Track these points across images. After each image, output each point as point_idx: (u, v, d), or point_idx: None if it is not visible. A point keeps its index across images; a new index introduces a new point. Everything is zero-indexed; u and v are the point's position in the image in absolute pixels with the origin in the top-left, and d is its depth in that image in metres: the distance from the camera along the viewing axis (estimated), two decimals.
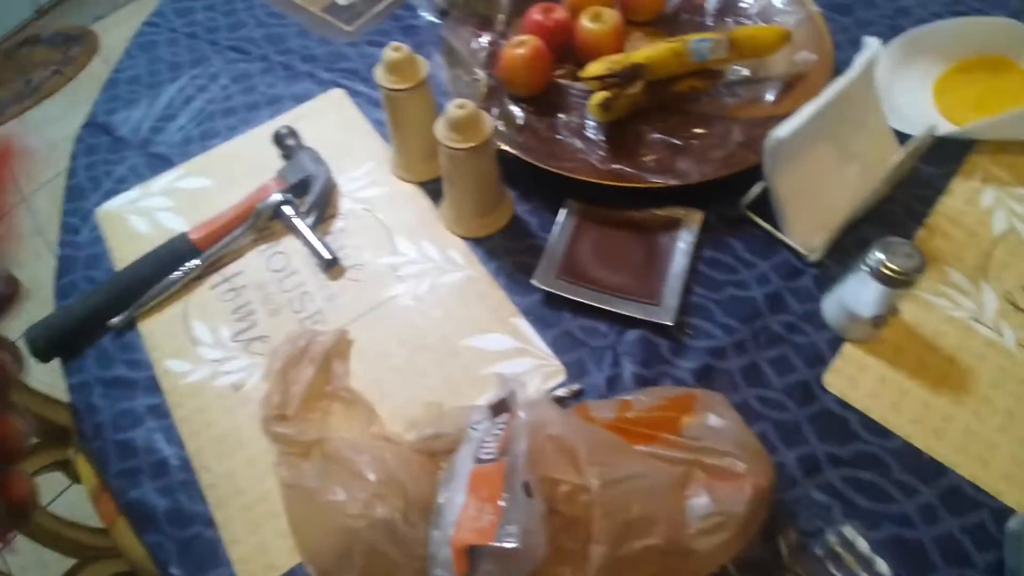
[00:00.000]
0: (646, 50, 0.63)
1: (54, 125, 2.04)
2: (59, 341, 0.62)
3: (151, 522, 0.53)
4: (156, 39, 0.86)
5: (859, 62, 0.58)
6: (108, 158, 0.76)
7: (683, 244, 0.61)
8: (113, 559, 0.75)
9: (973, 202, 0.64)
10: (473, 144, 0.56)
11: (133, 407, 0.59)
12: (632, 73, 0.60)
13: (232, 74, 0.81)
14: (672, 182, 0.60)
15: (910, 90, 0.71)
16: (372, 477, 0.48)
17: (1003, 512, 0.49)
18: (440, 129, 0.56)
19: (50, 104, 2.13)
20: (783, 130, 0.55)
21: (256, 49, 0.83)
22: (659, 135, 0.66)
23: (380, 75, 0.60)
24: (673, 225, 0.63)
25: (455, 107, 0.54)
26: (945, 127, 0.66)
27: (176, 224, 0.68)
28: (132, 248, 0.66)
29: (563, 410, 0.46)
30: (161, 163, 0.74)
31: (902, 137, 0.64)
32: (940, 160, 0.66)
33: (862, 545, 0.48)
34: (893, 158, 0.55)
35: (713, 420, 0.46)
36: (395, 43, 0.58)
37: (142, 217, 0.70)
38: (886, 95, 0.65)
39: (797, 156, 0.57)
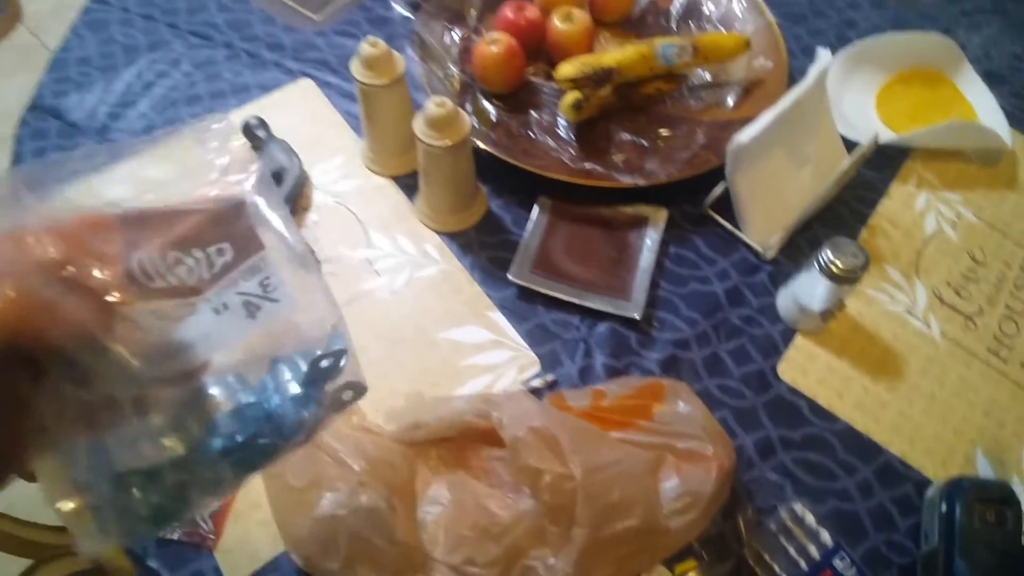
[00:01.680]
0: (616, 53, 0.65)
1: None
2: None
3: None
4: (107, 18, 0.82)
5: (813, 73, 0.63)
6: (59, 143, 0.73)
7: (650, 241, 0.65)
8: (72, 556, 0.74)
9: (908, 205, 0.70)
10: (451, 142, 0.57)
11: None
12: (604, 77, 0.62)
13: (195, 60, 0.78)
14: (641, 182, 0.63)
15: (855, 98, 0.76)
16: (356, 466, 0.49)
17: (924, 483, 0.55)
18: (419, 125, 0.57)
19: None
20: (745, 135, 0.58)
21: (219, 35, 0.81)
22: (628, 135, 0.69)
23: (356, 69, 0.60)
24: (640, 223, 0.66)
25: (435, 105, 0.55)
26: (885, 134, 0.72)
27: None
28: None
29: (541, 402, 0.49)
30: None
31: (847, 141, 0.69)
32: (881, 165, 0.72)
33: (810, 519, 0.53)
34: (842, 163, 0.60)
35: (682, 407, 0.49)
36: (372, 38, 0.59)
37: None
38: (834, 102, 0.70)
39: (756, 159, 0.61)
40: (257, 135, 0.69)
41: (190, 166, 0.29)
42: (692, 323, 0.62)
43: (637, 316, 0.60)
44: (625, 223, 0.66)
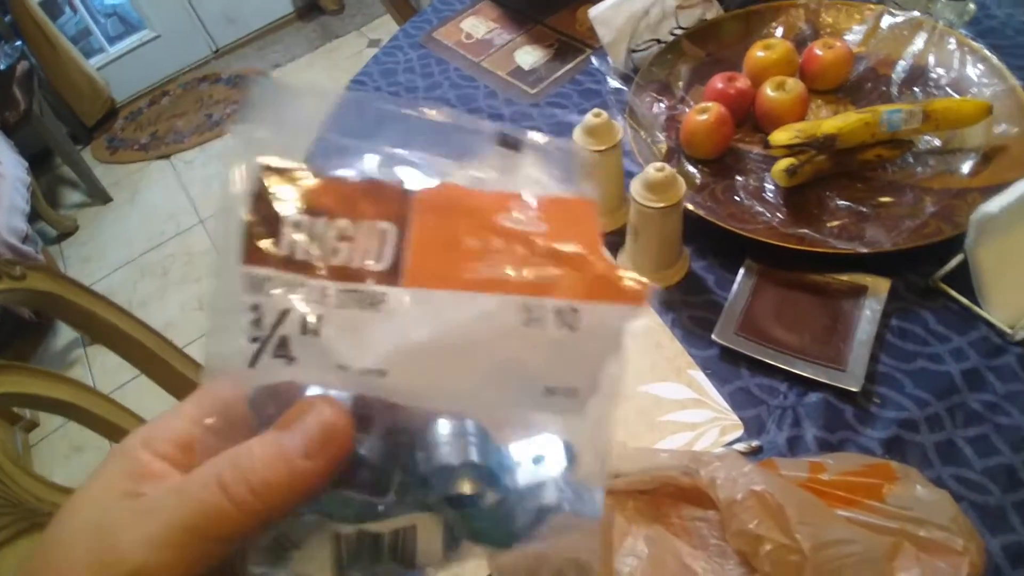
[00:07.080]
0: (836, 120, 0.65)
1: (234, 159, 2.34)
2: None
3: None
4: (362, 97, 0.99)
5: None
6: None
7: (869, 312, 0.61)
8: None
9: None
10: (665, 204, 0.60)
11: None
12: (827, 144, 0.62)
13: None
14: (862, 249, 0.61)
15: None
16: None
17: None
18: (636, 187, 0.61)
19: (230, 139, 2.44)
20: (994, 205, 0.54)
21: (450, 107, 0.93)
22: (843, 202, 0.67)
23: (579, 136, 0.66)
24: (858, 292, 0.63)
25: (655, 170, 0.59)
26: None
27: None
28: None
29: (760, 467, 0.47)
30: None
31: None
32: None
33: None
34: None
35: (922, 492, 0.45)
36: (597, 110, 0.64)
37: None
38: None
39: (1005, 232, 0.56)
40: None
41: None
42: (921, 403, 0.56)
43: (855, 388, 0.57)
44: (840, 291, 0.63)
